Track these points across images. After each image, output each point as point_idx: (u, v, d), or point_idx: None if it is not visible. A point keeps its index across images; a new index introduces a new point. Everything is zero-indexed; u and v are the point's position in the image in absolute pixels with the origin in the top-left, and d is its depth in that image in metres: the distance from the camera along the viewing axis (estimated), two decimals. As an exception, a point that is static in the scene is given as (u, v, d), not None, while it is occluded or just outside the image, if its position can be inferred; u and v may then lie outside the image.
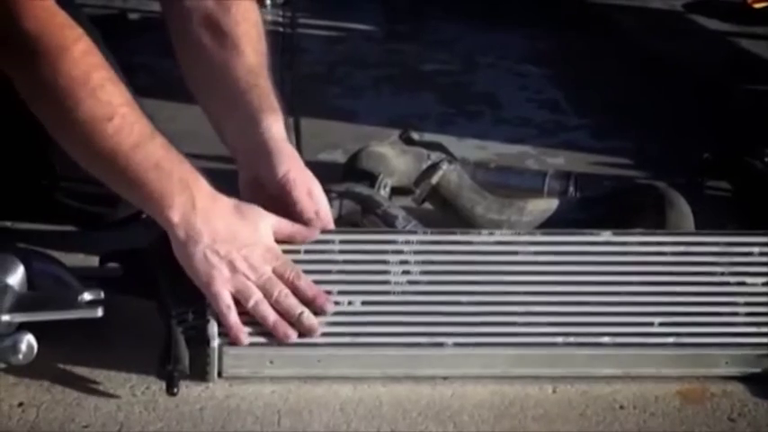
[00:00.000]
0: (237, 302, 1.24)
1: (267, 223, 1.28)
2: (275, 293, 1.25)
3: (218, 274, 1.24)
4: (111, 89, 1.23)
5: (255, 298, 1.24)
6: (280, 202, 1.33)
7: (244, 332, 1.24)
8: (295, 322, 1.25)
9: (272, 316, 1.24)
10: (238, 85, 1.37)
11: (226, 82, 1.38)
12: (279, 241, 1.30)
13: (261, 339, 1.25)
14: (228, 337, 1.24)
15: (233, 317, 1.24)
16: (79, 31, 1.24)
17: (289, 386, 1.26)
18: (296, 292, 1.26)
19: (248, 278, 1.25)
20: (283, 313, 1.25)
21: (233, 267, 1.24)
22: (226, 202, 1.27)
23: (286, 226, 1.30)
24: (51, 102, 1.23)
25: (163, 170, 1.23)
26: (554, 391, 1.28)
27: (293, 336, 1.24)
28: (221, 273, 1.24)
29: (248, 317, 1.25)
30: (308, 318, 1.25)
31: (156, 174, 1.23)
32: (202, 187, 1.25)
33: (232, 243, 1.24)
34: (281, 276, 1.26)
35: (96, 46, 1.25)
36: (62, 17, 1.23)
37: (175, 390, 1.20)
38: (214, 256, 1.24)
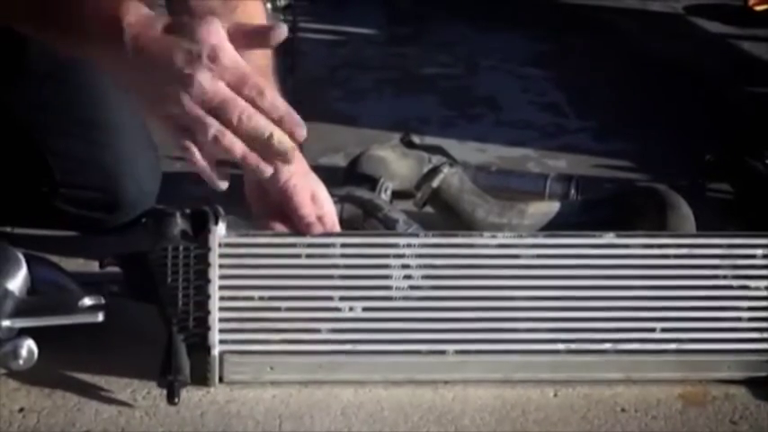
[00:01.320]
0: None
1: (212, 30, 1.05)
2: (234, 116, 1.04)
3: (162, 112, 1.05)
4: None
5: (213, 130, 1.04)
6: (283, 207, 1.32)
7: (218, 173, 1.08)
8: (265, 148, 1.06)
9: (238, 146, 1.05)
10: None
11: None
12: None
13: (260, 347, 1.24)
14: (208, 182, 1.09)
15: (198, 155, 1.06)
16: None
17: (290, 390, 1.26)
18: (258, 109, 1.06)
19: (198, 107, 1.04)
20: (249, 140, 1.05)
21: (177, 98, 1.04)
22: (160, 22, 1.07)
23: (237, 25, 1.09)
24: None
25: (88, 5, 1.08)
26: (555, 395, 1.28)
27: (268, 169, 1.07)
28: (166, 109, 1.05)
29: None
30: (281, 140, 1.06)
31: (80, 12, 1.08)
32: (131, 14, 1.07)
33: (169, 67, 1.04)
34: (239, 93, 1.05)
35: None
36: None
37: (176, 400, 1.20)
38: (154, 92, 1.05)
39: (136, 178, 1.56)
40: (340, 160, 1.85)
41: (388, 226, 1.47)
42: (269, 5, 2.57)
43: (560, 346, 1.27)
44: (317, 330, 1.26)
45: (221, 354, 1.24)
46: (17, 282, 1.28)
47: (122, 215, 1.56)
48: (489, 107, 2.20)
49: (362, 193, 1.53)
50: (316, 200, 1.33)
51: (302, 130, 1.06)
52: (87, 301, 1.27)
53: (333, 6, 2.80)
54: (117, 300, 1.29)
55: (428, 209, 1.63)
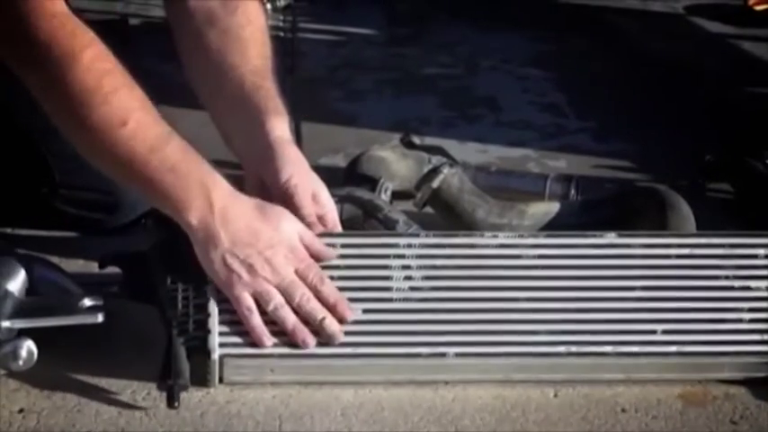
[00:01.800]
0: (260, 305, 1.23)
1: (291, 223, 1.26)
2: (297, 297, 1.23)
3: (236, 279, 1.22)
4: (125, 94, 1.22)
5: (275, 302, 1.23)
6: (284, 207, 1.32)
7: (266, 335, 1.23)
8: (317, 328, 1.24)
9: (291, 321, 1.23)
10: (243, 86, 1.35)
11: (230, 84, 1.36)
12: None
13: (259, 351, 1.24)
14: (252, 339, 1.23)
15: (254, 319, 1.23)
16: (90, 35, 1.23)
17: (290, 391, 1.26)
18: (318, 296, 1.24)
19: (269, 281, 1.23)
20: (304, 318, 1.24)
21: (253, 270, 1.22)
22: (246, 203, 1.25)
23: (310, 236, 1.28)
24: (65, 108, 1.22)
25: (179, 173, 1.22)
26: (555, 395, 1.28)
27: (312, 342, 1.23)
28: (241, 277, 1.22)
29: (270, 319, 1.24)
30: (330, 324, 1.24)
31: (173, 177, 1.22)
32: (221, 188, 1.23)
33: (253, 245, 1.22)
34: (304, 279, 1.24)
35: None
36: (73, 23, 1.22)
37: (176, 404, 1.20)
38: (234, 260, 1.22)
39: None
40: (340, 161, 1.85)
41: (389, 226, 1.47)
42: (269, 6, 2.58)
43: (561, 349, 1.27)
44: (318, 333, 1.26)
45: (221, 357, 1.24)
46: (17, 283, 1.28)
47: (122, 216, 1.56)
48: (489, 108, 2.20)
49: (362, 193, 1.53)
50: (317, 200, 1.33)
51: (351, 315, 1.25)
52: (87, 302, 1.27)
53: (333, 7, 2.81)
54: (117, 301, 1.29)
55: (428, 209, 1.63)
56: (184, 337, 1.23)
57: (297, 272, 1.24)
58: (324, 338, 1.24)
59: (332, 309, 1.24)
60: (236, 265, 1.22)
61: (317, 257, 1.27)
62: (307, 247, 1.26)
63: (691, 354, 1.27)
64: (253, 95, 1.35)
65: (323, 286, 1.25)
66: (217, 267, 1.23)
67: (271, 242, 1.23)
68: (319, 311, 1.24)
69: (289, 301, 1.23)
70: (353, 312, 1.25)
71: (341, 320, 1.24)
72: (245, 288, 1.23)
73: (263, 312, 1.23)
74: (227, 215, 1.22)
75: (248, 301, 1.23)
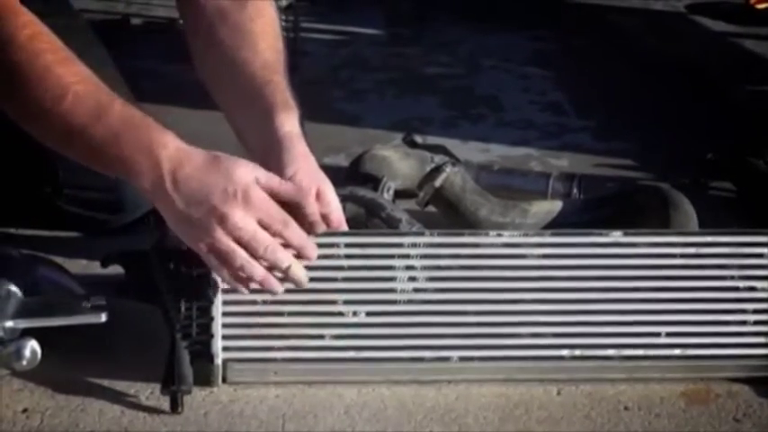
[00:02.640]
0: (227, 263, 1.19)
1: (246, 170, 1.19)
2: (260, 250, 1.18)
3: (197, 239, 1.18)
4: (61, 70, 1.20)
5: (240, 260, 1.18)
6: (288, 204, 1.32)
7: (273, 280, 1.20)
8: (283, 275, 1.21)
9: (259, 274, 1.19)
10: (253, 81, 1.34)
11: (241, 78, 1.35)
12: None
13: (263, 355, 1.25)
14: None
15: (239, 262, 1.19)
16: (27, 17, 1.22)
17: (293, 390, 1.26)
18: (283, 242, 1.20)
19: (230, 239, 1.17)
20: (270, 267, 1.20)
21: (211, 231, 1.17)
22: (197, 158, 1.19)
23: (268, 178, 1.21)
24: (6, 90, 1.21)
25: (123, 141, 1.18)
26: (558, 393, 1.28)
27: (280, 289, 1.21)
28: (201, 237, 1.18)
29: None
30: (296, 271, 1.20)
31: (118, 146, 1.18)
32: (169, 148, 1.19)
33: (207, 203, 1.17)
34: (267, 228, 1.19)
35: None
36: (9, 5, 1.22)
37: (180, 409, 1.21)
38: (191, 222, 1.18)
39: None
40: (342, 160, 1.85)
41: (391, 225, 1.47)
42: (271, 6, 2.57)
43: (564, 352, 1.27)
44: (321, 336, 1.26)
45: (225, 361, 1.24)
46: (20, 283, 1.28)
47: (126, 215, 1.56)
48: (491, 107, 2.20)
49: (365, 192, 1.52)
50: (321, 198, 1.32)
51: (315, 253, 1.22)
52: (90, 302, 1.27)
53: (334, 7, 2.81)
54: (120, 300, 1.28)
55: (431, 208, 1.63)
56: (187, 342, 1.23)
57: (259, 222, 1.19)
58: (292, 283, 1.21)
59: (298, 252, 1.21)
60: (194, 227, 1.18)
61: (280, 199, 1.21)
62: (268, 191, 1.20)
63: (695, 356, 1.27)
64: (263, 90, 1.34)
65: (287, 231, 1.20)
66: (177, 229, 1.19)
67: (225, 196, 1.17)
68: (284, 260, 1.20)
69: (253, 254, 1.18)
70: (315, 251, 1.22)
71: (307, 260, 1.22)
72: (208, 248, 1.18)
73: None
74: (177, 176, 1.18)
75: (218, 255, 1.19)
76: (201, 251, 1.19)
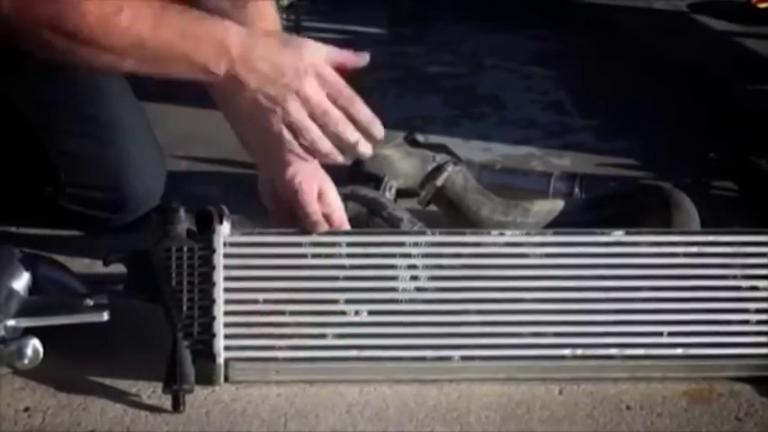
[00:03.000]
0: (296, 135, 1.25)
1: (315, 49, 1.25)
2: (331, 124, 1.25)
3: (271, 116, 1.23)
4: None
5: (313, 135, 1.24)
6: (289, 205, 1.32)
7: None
8: (349, 148, 1.26)
9: (326, 147, 1.25)
10: None
11: None
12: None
13: (265, 354, 1.25)
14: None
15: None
16: None
17: (295, 389, 1.26)
18: (350, 117, 1.26)
19: (305, 113, 1.24)
20: (338, 141, 1.26)
21: (286, 104, 1.23)
22: (266, 40, 1.25)
23: (336, 52, 1.27)
24: (60, 20, 1.21)
25: (189, 36, 1.22)
26: (560, 392, 1.28)
27: (341, 159, 1.27)
28: (275, 112, 1.23)
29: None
30: (363, 146, 1.26)
31: (185, 43, 1.22)
32: (235, 35, 1.23)
33: (279, 80, 1.23)
34: (335, 102, 1.25)
35: None
36: None
37: (182, 408, 1.21)
38: (264, 98, 1.23)
39: (141, 177, 1.56)
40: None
41: (393, 224, 1.47)
42: (272, 5, 2.57)
43: (566, 352, 1.27)
44: (323, 336, 1.26)
45: (227, 360, 1.24)
46: (22, 281, 1.28)
47: (128, 214, 1.56)
48: (493, 106, 2.20)
49: (367, 191, 1.53)
50: (323, 197, 1.32)
51: (381, 133, 1.27)
52: (92, 301, 1.27)
53: (336, 6, 2.81)
54: (122, 299, 1.29)
55: (432, 207, 1.63)
56: (189, 341, 1.23)
57: (328, 96, 1.25)
58: (356, 155, 1.29)
59: (364, 128, 1.26)
60: (267, 103, 1.23)
61: (351, 63, 1.28)
62: (336, 67, 1.26)
63: (697, 356, 1.27)
64: None
65: (354, 107, 1.26)
66: (252, 111, 1.24)
67: (297, 73, 1.23)
68: (352, 134, 1.25)
69: (323, 128, 1.25)
70: (382, 130, 1.28)
71: (372, 139, 1.27)
72: (281, 123, 1.24)
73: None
74: (248, 58, 1.23)
75: (289, 135, 1.25)
76: (274, 128, 1.24)
